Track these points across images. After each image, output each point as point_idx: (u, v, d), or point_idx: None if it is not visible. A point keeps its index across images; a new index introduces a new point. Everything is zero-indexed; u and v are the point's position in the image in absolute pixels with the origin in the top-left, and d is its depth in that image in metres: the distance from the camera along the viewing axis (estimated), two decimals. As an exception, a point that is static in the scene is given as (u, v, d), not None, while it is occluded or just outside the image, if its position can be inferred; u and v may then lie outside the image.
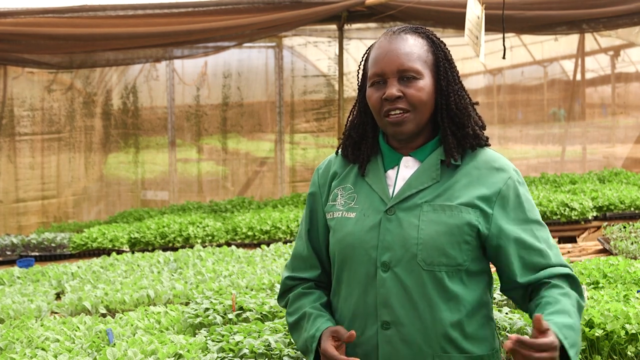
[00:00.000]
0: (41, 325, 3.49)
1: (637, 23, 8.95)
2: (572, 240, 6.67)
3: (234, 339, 2.82)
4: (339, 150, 2.17)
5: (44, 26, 7.18)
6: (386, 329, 1.96)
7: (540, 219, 2.05)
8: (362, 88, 2.12)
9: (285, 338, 2.82)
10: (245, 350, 2.74)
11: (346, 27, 8.96)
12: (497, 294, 3.27)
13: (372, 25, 9.16)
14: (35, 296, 4.35)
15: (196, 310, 3.41)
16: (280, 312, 3.37)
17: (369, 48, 2.11)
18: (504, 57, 4.38)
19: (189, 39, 7.90)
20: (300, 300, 2.13)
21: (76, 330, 3.35)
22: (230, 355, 2.76)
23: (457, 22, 7.08)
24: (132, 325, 3.37)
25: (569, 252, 5.33)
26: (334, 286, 2.11)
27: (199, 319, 3.33)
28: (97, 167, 9.26)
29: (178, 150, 9.57)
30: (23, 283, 4.91)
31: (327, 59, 9.80)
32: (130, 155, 9.39)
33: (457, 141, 2.04)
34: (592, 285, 3.52)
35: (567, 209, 6.76)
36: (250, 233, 6.53)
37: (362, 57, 2.13)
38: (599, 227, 6.65)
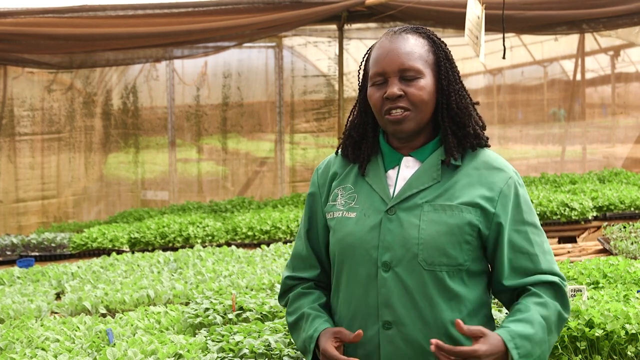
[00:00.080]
0: (41, 325, 3.49)
1: (637, 23, 8.95)
2: (572, 240, 6.67)
3: (234, 339, 2.82)
4: (339, 150, 2.17)
5: (44, 26, 7.18)
6: (388, 329, 1.96)
7: (538, 223, 2.04)
8: (362, 88, 2.12)
9: (285, 338, 2.82)
10: (245, 350, 2.74)
11: (346, 27, 8.96)
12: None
13: (372, 25, 9.16)
14: (35, 296, 4.35)
15: (196, 310, 3.41)
16: (280, 312, 3.37)
17: (369, 48, 2.12)
18: (504, 57, 4.38)
19: (189, 39, 7.90)
20: (299, 300, 2.14)
21: (76, 330, 3.35)
22: (230, 355, 2.76)
23: (457, 22, 7.09)
24: (132, 325, 3.37)
25: (569, 252, 5.33)
26: (334, 286, 2.11)
27: (199, 319, 3.33)
28: (97, 167, 9.26)
29: (178, 150, 9.57)
30: (23, 283, 4.91)
31: (327, 59, 9.80)
32: (130, 155, 9.39)
33: (457, 140, 2.04)
34: (592, 285, 3.52)
35: (567, 209, 6.76)
36: (250, 233, 6.53)
37: (363, 57, 2.14)
38: (599, 227, 6.65)
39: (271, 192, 9.72)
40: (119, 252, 6.17)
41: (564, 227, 6.77)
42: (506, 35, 4.97)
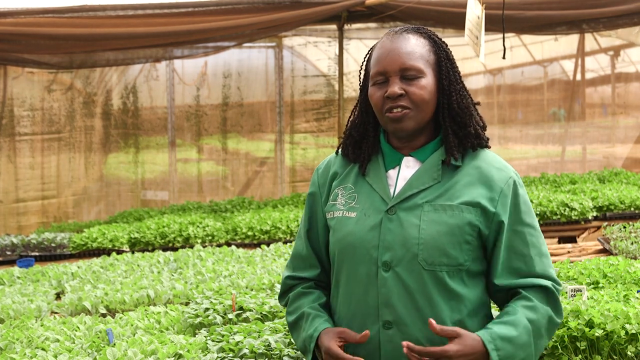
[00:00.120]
0: (41, 325, 3.49)
1: (637, 23, 8.95)
2: (572, 240, 6.67)
3: (234, 339, 2.82)
4: (340, 150, 2.18)
5: (44, 26, 7.17)
6: (388, 329, 1.96)
7: (536, 225, 2.04)
8: (364, 88, 2.13)
9: (285, 338, 2.82)
10: (245, 350, 2.74)
11: (346, 27, 8.96)
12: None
13: (372, 25, 9.15)
14: (35, 296, 4.34)
15: (196, 310, 3.41)
16: (280, 312, 3.37)
17: (371, 48, 2.12)
18: (504, 57, 4.38)
19: (189, 39, 7.90)
20: (299, 300, 2.14)
21: (76, 330, 3.35)
22: (230, 355, 2.76)
23: (457, 22, 7.09)
24: (132, 325, 3.37)
25: (569, 252, 5.33)
26: (333, 286, 2.11)
27: (199, 319, 3.33)
28: (97, 167, 9.26)
29: (178, 150, 9.57)
30: (23, 283, 4.91)
31: (327, 59, 9.80)
32: (130, 155, 9.38)
33: (458, 140, 2.04)
34: (592, 285, 3.52)
35: (567, 209, 6.76)
36: (250, 233, 6.53)
37: (365, 57, 2.14)
38: (599, 227, 6.64)
39: (271, 192, 9.72)
40: (119, 252, 6.17)
41: (564, 227, 6.77)
42: (506, 35, 4.98)
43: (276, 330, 2.93)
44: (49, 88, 8.96)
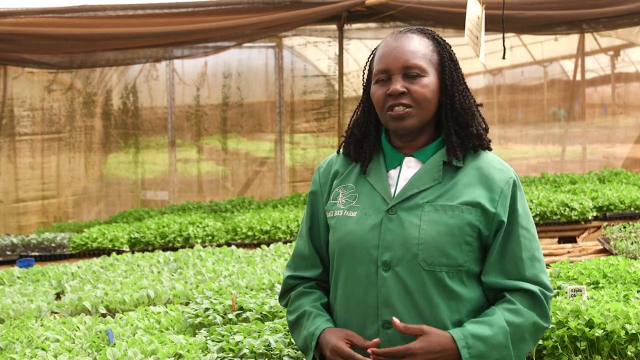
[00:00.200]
0: (41, 325, 3.49)
1: (637, 23, 8.94)
2: (572, 240, 6.67)
3: (234, 339, 2.82)
4: (341, 149, 2.18)
5: (44, 26, 7.17)
6: (387, 329, 1.96)
7: (532, 228, 2.03)
8: (367, 87, 2.13)
9: (285, 338, 2.82)
10: (245, 350, 2.74)
11: (346, 27, 8.96)
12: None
13: (372, 25, 9.15)
14: (35, 296, 4.34)
15: (196, 310, 3.41)
16: (281, 312, 3.37)
17: (375, 48, 2.13)
18: (504, 57, 4.39)
19: (189, 39, 7.90)
20: (300, 299, 2.14)
21: (76, 330, 3.35)
22: (230, 355, 2.76)
23: (457, 22, 7.08)
24: (132, 325, 3.37)
25: (569, 252, 5.33)
26: (332, 285, 2.11)
27: (199, 319, 3.33)
28: (97, 167, 9.26)
29: (178, 150, 9.57)
30: (23, 283, 4.91)
31: (327, 59, 9.80)
32: (130, 155, 9.38)
33: (460, 141, 2.04)
34: (592, 285, 3.52)
35: (567, 209, 6.76)
36: (250, 233, 6.53)
37: (368, 57, 2.15)
38: (599, 227, 6.64)
39: (271, 192, 9.72)
40: (119, 252, 6.17)
41: (564, 227, 6.76)
42: (506, 35, 4.98)
43: (276, 330, 2.93)
44: (49, 88, 8.96)
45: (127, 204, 9.24)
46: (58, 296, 4.71)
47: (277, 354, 2.72)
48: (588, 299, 3.02)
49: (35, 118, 8.89)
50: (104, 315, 3.95)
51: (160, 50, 8.34)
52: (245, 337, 2.83)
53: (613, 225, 5.50)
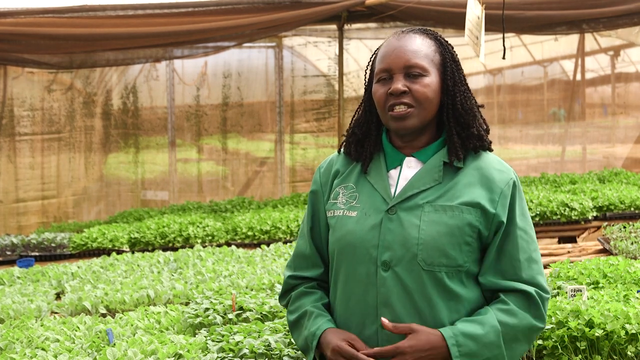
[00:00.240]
0: (41, 325, 3.49)
1: (637, 23, 8.94)
2: (572, 240, 6.67)
3: (234, 339, 2.82)
4: (342, 149, 2.18)
5: (44, 26, 7.17)
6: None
7: (530, 230, 2.03)
8: (368, 87, 2.13)
9: (285, 338, 2.82)
10: (245, 350, 2.74)
11: (346, 27, 8.96)
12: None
13: (372, 25, 9.15)
14: (35, 296, 4.34)
15: (196, 310, 3.41)
16: (281, 312, 3.37)
17: (377, 48, 2.13)
18: (504, 57, 4.39)
19: (189, 39, 7.90)
20: (301, 299, 2.14)
21: (76, 330, 3.35)
22: (230, 355, 2.76)
23: (457, 22, 7.08)
24: (132, 325, 3.37)
25: (569, 252, 5.33)
26: (331, 285, 2.11)
27: (199, 319, 3.33)
28: (97, 167, 9.26)
29: (178, 150, 9.57)
30: (23, 283, 4.91)
31: (327, 59, 9.80)
32: (130, 155, 9.38)
33: (461, 141, 2.05)
34: (592, 285, 3.52)
35: (567, 209, 6.76)
36: (250, 233, 6.53)
37: (371, 57, 2.16)
38: (599, 227, 6.64)
39: (271, 192, 9.72)
40: (119, 252, 6.17)
41: (564, 227, 6.77)
42: (506, 35, 4.98)
43: (276, 330, 2.93)
44: (49, 88, 8.96)
45: (127, 204, 9.24)
46: (58, 296, 4.71)
47: (277, 354, 2.72)
48: (588, 299, 3.02)
49: (35, 118, 8.89)
50: (104, 315, 3.95)
51: (160, 50, 8.34)
52: (245, 337, 2.83)
53: (613, 225, 5.51)
